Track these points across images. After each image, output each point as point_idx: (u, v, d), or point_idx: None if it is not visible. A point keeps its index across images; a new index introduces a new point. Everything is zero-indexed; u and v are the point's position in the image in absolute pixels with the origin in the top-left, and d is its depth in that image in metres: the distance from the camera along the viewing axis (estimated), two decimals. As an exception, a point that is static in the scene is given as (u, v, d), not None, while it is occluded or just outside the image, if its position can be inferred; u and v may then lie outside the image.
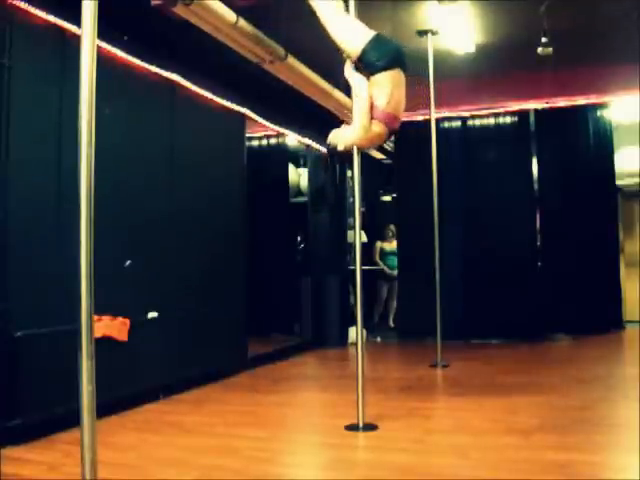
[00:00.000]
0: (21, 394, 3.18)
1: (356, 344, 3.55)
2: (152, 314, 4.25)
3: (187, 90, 4.76)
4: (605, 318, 6.98)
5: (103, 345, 3.26)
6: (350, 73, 3.42)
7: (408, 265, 7.45)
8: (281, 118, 6.30)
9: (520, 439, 3.04)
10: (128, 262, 4.02)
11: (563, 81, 6.81)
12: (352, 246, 4.95)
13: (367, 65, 3.39)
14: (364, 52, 3.35)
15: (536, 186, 7.23)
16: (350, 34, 3.42)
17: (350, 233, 7.32)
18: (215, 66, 5.03)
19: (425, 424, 3.33)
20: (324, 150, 7.21)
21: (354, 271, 3.60)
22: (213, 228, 5.02)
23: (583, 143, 7.16)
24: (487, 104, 7.22)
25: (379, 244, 8.59)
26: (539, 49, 5.38)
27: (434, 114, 5.71)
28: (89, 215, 1.94)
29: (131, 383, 3.91)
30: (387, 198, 9.74)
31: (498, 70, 6.77)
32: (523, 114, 7.22)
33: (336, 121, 7.00)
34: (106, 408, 3.46)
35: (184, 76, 4.68)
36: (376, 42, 3.35)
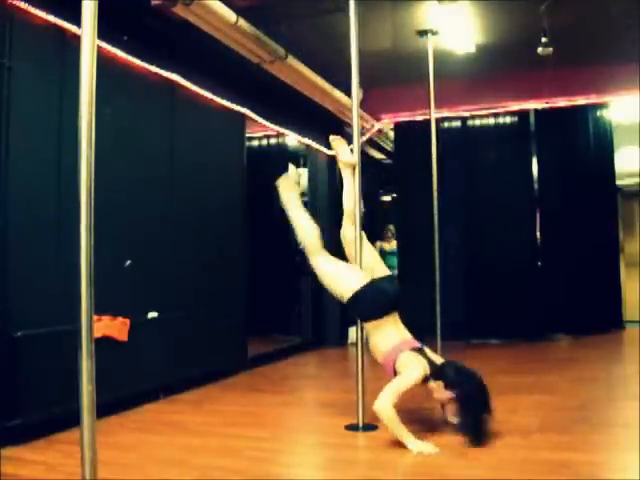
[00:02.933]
0: (21, 394, 3.18)
1: (356, 344, 3.55)
2: (152, 314, 4.25)
3: (187, 90, 4.76)
4: (605, 318, 6.98)
5: (103, 345, 3.26)
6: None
7: (408, 265, 7.45)
8: (281, 118, 6.30)
9: (520, 439, 3.04)
10: (128, 262, 4.02)
11: (563, 81, 6.82)
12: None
13: (355, 314, 3.46)
14: (351, 302, 3.35)
15: (536, 186, 7.22)
16: (343, 283, 3.39)
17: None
18: (215, 66, 5.03)
19: (425, 424, 3.33)
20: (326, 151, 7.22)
21: (354, 271, 3.59)
22: (213, 228, 5.02)
23: (583, 143, 7.16)
24: (487, 104, 7.22)
25: (379, 244, 8.59)
26: (539, 49, 5.38)
27: (434, 114, 5.71)
28: (89, 215, 1.94)
29: (131, 383, 3.90)
30: (387, 198, 9.75)
31: (498, 70, 6.77)
32: (523, 114, 7.22)
33: (336, 121, 7.04)
34: (106, 408, 3.46)
35: (184, 76, 4.68)
36: (365, 292, 3.31)
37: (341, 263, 3.51)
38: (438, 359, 3.29)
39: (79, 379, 1.88)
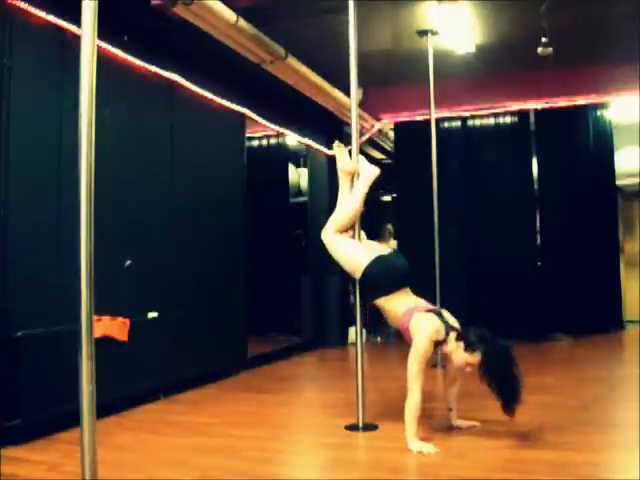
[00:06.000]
0: (21, 394, 3.18)
1: (356, 344, 3.55)
2: (152, 314, 4.25)
3: (187, 90, 4.76)
4: (605, 318, 6.98)
5: (103, 345, 3.26)
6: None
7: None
8: (281, 118, 6.30)
9: (520, 439, 3.04)
10: (128, 262, 4.02)
11: (563, 81, 6.82)
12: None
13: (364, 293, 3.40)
14: (363, 277, 3.30)
15: (536, 186, 7.23)
16: (352, 261, 3.35)
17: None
18: (215, 66, 5.04)
19: (425, 424, 3.33)
20: (325, 150, 7.22)
21: (354, 271, 3.58)
22: (213, 228, 5.02)
23: (583, 143, 7.16)
24: (487, 104, 7.22)
25: (378, 244, 8.58)
26: (539, 49, 5.38)
27: (434, 114, 5.70)
28: (89, 215, 1.94)
29: (131, 383, 3.91)
30: (387, 198, 9.75)
31: (498, 70, 6.78)
32: (523, 114, 7.22)
33: (336, 121, 7.05)
34: (106, 408, 3.46)
35: (184, 76, 4.68)
36: (375, 266, 3.26)
37: (357, 242, 3.46)
38: (456, 323, 3.21)
39: (79, 379, 1.88)
